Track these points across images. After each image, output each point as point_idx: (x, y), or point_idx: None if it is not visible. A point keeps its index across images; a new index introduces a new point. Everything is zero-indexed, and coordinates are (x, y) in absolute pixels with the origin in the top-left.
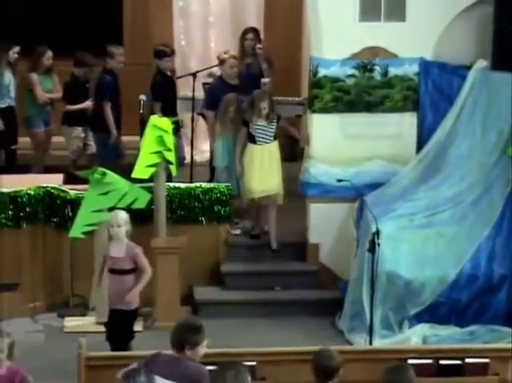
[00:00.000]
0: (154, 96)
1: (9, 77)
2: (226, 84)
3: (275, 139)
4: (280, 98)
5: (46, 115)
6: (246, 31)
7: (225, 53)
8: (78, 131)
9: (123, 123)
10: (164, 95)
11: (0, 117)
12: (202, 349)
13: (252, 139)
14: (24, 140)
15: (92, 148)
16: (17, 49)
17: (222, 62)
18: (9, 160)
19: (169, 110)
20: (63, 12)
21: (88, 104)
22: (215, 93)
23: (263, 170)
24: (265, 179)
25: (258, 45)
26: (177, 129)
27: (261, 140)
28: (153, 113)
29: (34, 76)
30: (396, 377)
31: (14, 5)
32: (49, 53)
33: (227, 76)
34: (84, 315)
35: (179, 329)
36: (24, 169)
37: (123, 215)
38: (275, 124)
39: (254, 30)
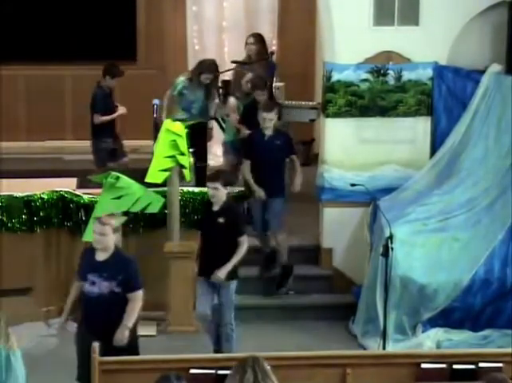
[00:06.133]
0: None
1: (197, 95)
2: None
3: None
4: (293, 102)
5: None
6: (247, 37)
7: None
8: None
9: (136, 127)
10: None
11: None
12: None
13: None
14: None
15: None
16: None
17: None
18: (200, 176)
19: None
20: (75, 19)
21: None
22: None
23: None
24: None
25: (271, 50)
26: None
27: None
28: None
29: (232, 100)
30: None
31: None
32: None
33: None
34: None
35: None
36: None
37: None
38: None
39: (256, 35)
